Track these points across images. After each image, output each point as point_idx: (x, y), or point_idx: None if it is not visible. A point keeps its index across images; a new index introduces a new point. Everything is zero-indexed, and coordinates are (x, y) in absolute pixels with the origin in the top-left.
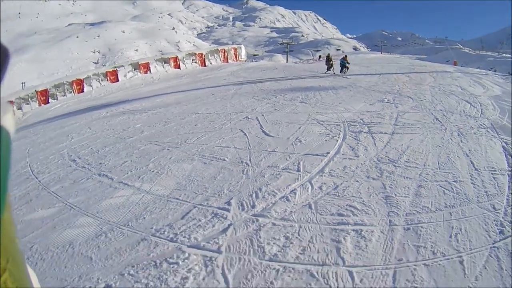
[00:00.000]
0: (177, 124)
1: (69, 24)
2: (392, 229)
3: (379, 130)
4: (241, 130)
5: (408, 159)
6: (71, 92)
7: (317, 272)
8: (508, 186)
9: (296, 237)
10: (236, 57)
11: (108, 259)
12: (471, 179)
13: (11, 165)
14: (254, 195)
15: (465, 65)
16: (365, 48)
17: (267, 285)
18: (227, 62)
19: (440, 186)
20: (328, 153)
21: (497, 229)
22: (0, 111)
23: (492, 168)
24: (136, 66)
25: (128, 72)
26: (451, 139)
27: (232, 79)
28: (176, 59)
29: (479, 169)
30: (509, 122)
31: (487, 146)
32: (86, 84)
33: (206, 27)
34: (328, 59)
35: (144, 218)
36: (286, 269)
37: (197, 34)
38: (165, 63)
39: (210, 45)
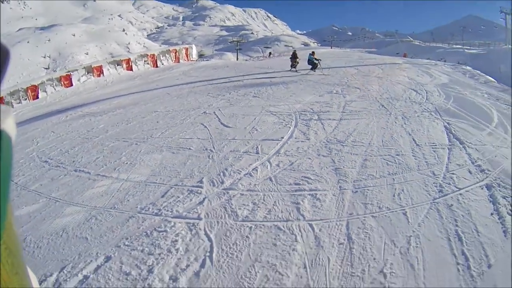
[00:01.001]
0: (139, 122)
1: (19, 29)
2: (342, 192)
3: (327, 117)
4: (201, 124)
5: (355, 140)
6: (26, 99)
7: (283, 226)
8: (448, 157)
9: (262, 203)
10: (187, 57)
11: (103, 236)
12: (412, 153)
13: (12, 168)
14: (221, 174)
15: (415, 57)
16: (315, 43)
17: (243, 239)
18: (179, 62)
19: (384, 159)
20: (283, 137)
21: (437, 189)
22: (0, 115)
23: (433, 143)
24: (89, 70)
25: (82, 76)
26: (395, 122)
27: (185, 79)
28: (128, 61)
29: (420, 144)
30: (453, 106)
31: (429, 126)
32: (40, 90)
33: (156, 28)
34: (294, 56)
35: (128, 200)
36: (257, 226)
37: (147, 35)
38: (117, 65)
39: (160, 46)
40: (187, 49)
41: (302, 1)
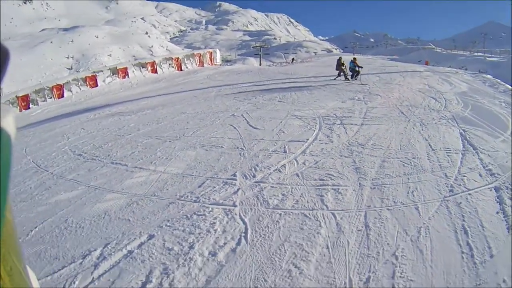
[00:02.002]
0: (169, 122)
1: (42, 29)
2: (362, 188)
3: (350, 122)
4: (231, 125)
5: (374, 143)
6: (51, 98)
7: (309, 214)
8: (461, 161)
9: (290, 194)
10: (211, 61)
11: (145, 219)
12: (427, 156)
13: (11, 167)
14: (253, 169)
15: (436, 65)
16: (337, 49)
17: (274, 223)
18: (203, 66)
19: (400, 161)
20: (308, 139)
21: (448, 189)
22: (0, 113)
23: (448, 148)
24: (114, 71)
25: (107, 77)
26: (413, 128)
27: (210, 83)
28: (153, 63)
29: (436, 149)
30: (470, 114)
31: (445, 133)
32: (66, 89)
33: (179, 31)
34: (340, 63)
35: (167, 189)
36: (286, 213)
37: (170, 38)
38: (142, 67)
39: (183, 49)
40: (211, 53)
41: (323, 3)
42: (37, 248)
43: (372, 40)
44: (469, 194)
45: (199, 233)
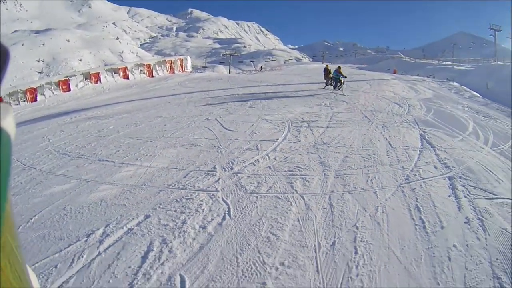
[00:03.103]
0: (147, 125)
1: (15, 31)
2: (326, 177)
3: (316, 125)
4: (206, 127)
5: (338, 142)
6: (24, 101)
7: (281, 196)
8: (418, 157)
9: (264, 182)
10: (182, 68)
11: (139, 203)
12: (387, 153)
13: (11, 167)
14: (230, 163)
15: (404, 73)
16: (306, 58)
17: (252, 204)
18: (174, 73)
19: (361, 156)
20: (278, 139)
21: (404, 178)
22: (0, 113)
23: (407, 146)
24: (87, 76)
25: (80, 81)
26: (375, 130)
27: (181, 89)
28: (125, 69)
29: (395, 147)
30: (432, 117)
31: (405, 134)
32: (39, 93)
33: (149, 37)
34: (327, 72)
35: (156, 180)
36: (261, 196)
37: (141, 44)
38: (114, 73)
39: (153, 56)
40: (182, 61)
41: (294, 12)
42: (40, 232)
43: (341, 49)
44: (424, 182)
45: (189, 212)
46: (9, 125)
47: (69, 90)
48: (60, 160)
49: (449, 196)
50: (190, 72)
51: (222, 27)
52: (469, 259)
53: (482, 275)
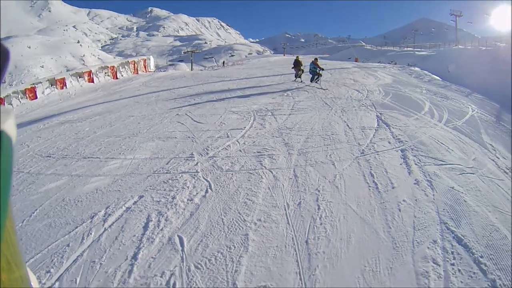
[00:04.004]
0: (121, 124)
1: None
2: (290, 155)
3: (279, 113)
4: (178, 122)
5: (300, 127)
6: None
7: (252, 172)
8: (373, 135)
9: (237, 162)
10: (145, 68)
11: (132, 188)
12: (344, 133)
13: (12, 170)
14: (205, 149)
15: (366, 61)
16: (268, 51)
17: (228, 179)
18: (138, 73)
19: (321, 137)
20: (245, 127)
21: (359, 152)
22: (1, 116)
23: (363, 127)
24: (52, 82)
25: (46, 88)
26: (334, 114)
27: (147, 89)
28: (90, 73)
29: (352, 128)
30: (389, 100)
31: (363, 116)
32: (6, 102)
33: (110, 39)
34: (297, 63)
35: (142, 168)
36: (236, 173)
37: (102, 46)
38: (79, 77)
39: (114, 58)
40: (145, 61)
41: (254, 5)
42: (46, 221)
43: (303, 40)
44: (377, 154)
45: (177, 190)
46: (10, 128)
47: (36, 97)
48: (45, 162)
49: (401, 164)
50: (154, 71)
51: (183, 24)
52: (417, 209)
53: (429, 221)
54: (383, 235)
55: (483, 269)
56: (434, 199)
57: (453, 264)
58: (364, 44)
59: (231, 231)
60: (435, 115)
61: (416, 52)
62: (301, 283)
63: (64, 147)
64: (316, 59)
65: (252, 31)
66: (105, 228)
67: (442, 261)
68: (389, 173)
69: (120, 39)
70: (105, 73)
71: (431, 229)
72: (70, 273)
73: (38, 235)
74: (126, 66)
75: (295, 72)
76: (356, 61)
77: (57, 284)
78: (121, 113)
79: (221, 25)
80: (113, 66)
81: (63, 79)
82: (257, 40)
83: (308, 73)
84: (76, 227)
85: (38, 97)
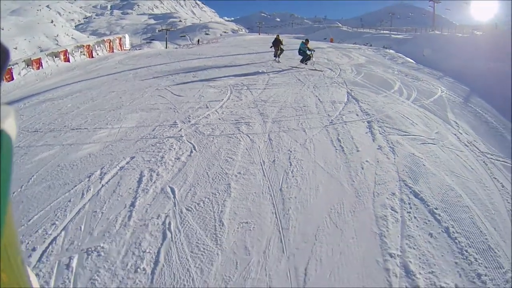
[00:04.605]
0: (104, 99)
1: None
2: (265, 123)
3: (255, 88)
4: (159, 95)
5: (274, 99)
6: None
7: (231, 136)
8: (342, 108)
9: (217, 128)
10: (121, 47)
11: (123, 151)
12: (315, 106)
13: (12, 168)
14: (187, 118)
15: (341, 42)
16: (243, 30)
17: (210, 142)
18: (113, 52)
19: (294, 109)
20: (223, 99)
21: (328, 122)
22: (0, 114)
23: (333, 101)
24: (28, 63)
25: (22, 69)
26: (307, 90)
27: (123, 67)
28: (65, 52)
29: (323, 101)
30: (361, 79)
31: (334, 92)
32: None
33: (84, 18)
34: (277, 42)
35: (130, 135)
36: (216, 137)
37: (75, 26)
38: (55, 57)
39: (88, 37)
40: (120, 39)
41: None
42: (44, 184)
43: (278, 19)
44: (345, 124)
45: (164, 151)
46: (10, 127)
47: (12, 79)
48: (34, 136)
49: (366, 133)
50: (129, 50)
51: (157, 2)
52: (379, 169)
53: (389, 178)
54: (347, 186)
55: (438, 218)
56: (395, 161)
57: (409, 212)
58: (340, 25)
59: (215, 181)
60: (404, 93)
61: (392, 35)
62: (277, 220)
63: (49, 122)
64: (307, 40)
65: (227, 9)
66: (102, 184)
67: (400, 209)
68: (355, 139)
69: (94, 18)
70: (81, 52)
71: (391, 185)
72: (75, 223)
73: (39, 196)
74: (101, 45)
75: (274, 51)
76: (331, 41)
77: (63, 233)
78: (101, 90)
79: (196, 3)
80: (89, 45)
81: (39, 59)
82: (232, 18)
83: (298, 54)
84: (75, 186)
85: (15, 78)
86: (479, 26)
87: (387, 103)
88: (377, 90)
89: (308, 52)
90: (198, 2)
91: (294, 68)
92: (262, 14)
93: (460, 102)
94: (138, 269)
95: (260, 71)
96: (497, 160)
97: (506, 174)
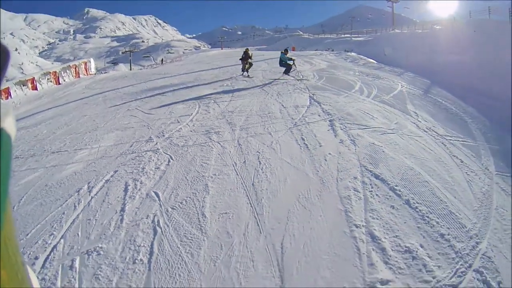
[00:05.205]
0: (78, 123)
1: None
2: (233, 131)
3: (221, 101)
4: (131, 115)
5: (240, 110)
6: None
7: (204, 145)
8: (305, 111)
9: (190, 139)
10: (86, 71)
11: (106, 167)
12: (279, 111)
13: (12, 168)
14: (161, 133)
15: (303, 49)
16: (206, 46)
17: (185, 152)
18: (79, 77)
19: (259, 116)
20: (192, 113)
21: (292, 124)
22: (0, 113)
23: (296, 105)
24: None
25: None
26: (271, 98)
27: (91, 92)
28: (33, 80)
29: (286, 107)
30: (322, 83)
31: (296, 97)
32: None
33: (47, 44)
34: (246, 56)
35: (110, 152)
36: (190, 146)
37: (39, 53)
38: (23, 85)
39: (52, 63)
40: (86, 64)
41: (190, 4)
42: (36, 202)
43: (240, 33)
44: (308, 124)
45: (144, 163)
46: (10, 125)
47: None
48: (16, 162)
49: (328, 130)
50: (95, 74)
51: (119, 24)
52: (341, 159)
53: (351, 166)
54: (312, 176)
55: (398, 193)
56: (356, 151)
57: (371, 191)
58: (301, 33)
59: (194, 183)
60: (365, 92)
61: (353, 38)
62: (252, 209)
63: (28, 148)
64: (286, 50)
65: (189, 27)
66: (91, 196)
67: (362, 189)
68: (317, 136)
69: (58, 44)
70: (48, 79)
71: (352, 171)
72: (71, 231)
73: (33, 213)
74: (67, 71)
75: (242, 65)
76: (293, 50)
77: (62, 240)
78: (73, 115)
79: (157, 22)
80: (55, 72)
81: (7, 88)
82: (194, 35)
83: (280, 65)
84: (66, 200)
85: None
86: (439, 21)
87: (348, 102)
88: (338, 91)
89: (290, 62)
90: (160, 21)
91: (256, 79)
92: (224, 29)
93: (420, 94)
94: (136, 260)
95: (225, 84)
96: (456, 140)
97: (465, 151)
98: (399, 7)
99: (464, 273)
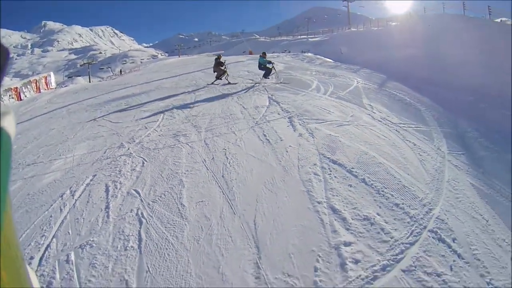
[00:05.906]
0: (47, 136)
1: None
2: (199, 132)
3: (184, 106)
4: (99, 125)
5: (204, 113)
6: None
7: (173, 146)
8: (265, 110)
9: (160, 142)
10: (47, 86)
11: (84, 172)
12: (241, 112)
13: (11, 166)
14: (131, 139)
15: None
16: (163, 54)
17: (157, 153)
18: (40, 92)
19: (222, 118)
20: (158, 120)
21: (254, 123)
22: (0, 113)
23: (257, 106)
24: None
25: None
26: (232, 100)
27: (54, 106)
28: None
29: (247, 108)
30: (280, 85)
31: (256, 99)
32: None
33: None
34: (218, 63)
35: (85, 160)
36: (161, 149)
37: None
38: None
39: (11, 80)
40: (46, 78)
41: (144, 10)
42: (21, 210)
43: (196, 39)
44: (269, 122)
45: (120, 166)
46: (9, 125)
47: None
48: None
49: (287, 126)
50: (55, 88)
51: (76, 36)
52: (301, 149)
53: (310, 155)
54: (276, 166)
55: (355, 174)
56: (314, 142)
57: (329, 174)
58: (258, 37)
59: (169, 180)
60: (321, 89)
61: (310, 39)
62: (224, 196)
63: None
64: (264, 53)
65: (145, 35)
66: (75, 199)
67: (321, 173)
68: (278, 132)
69: (16, 59)
70: (10, 95)
71: (312, 159)
72: (62, 230)
73: (20, 220)
74: (28, 86)
75: (216, 72)
76: (250, 54)
77: (54, 240)
78: (41, 129)
79: (114, 32)
80: (16, 88)
81: None
82: (151, 44)
83: (258, 69)
84: (51, 205)
85: None
86: (394, 17)
87: (306, 100)
88: (296, 91)
89: (269, 66)
90: (116, 31)
91: (215, 84)
92: (180, 36)
93: (375, 88)
94: (127, 247)
95: (187, 91)
96: (409, 127)
97: (418, 136)
98: (355, 6)
99: (419, 233)
